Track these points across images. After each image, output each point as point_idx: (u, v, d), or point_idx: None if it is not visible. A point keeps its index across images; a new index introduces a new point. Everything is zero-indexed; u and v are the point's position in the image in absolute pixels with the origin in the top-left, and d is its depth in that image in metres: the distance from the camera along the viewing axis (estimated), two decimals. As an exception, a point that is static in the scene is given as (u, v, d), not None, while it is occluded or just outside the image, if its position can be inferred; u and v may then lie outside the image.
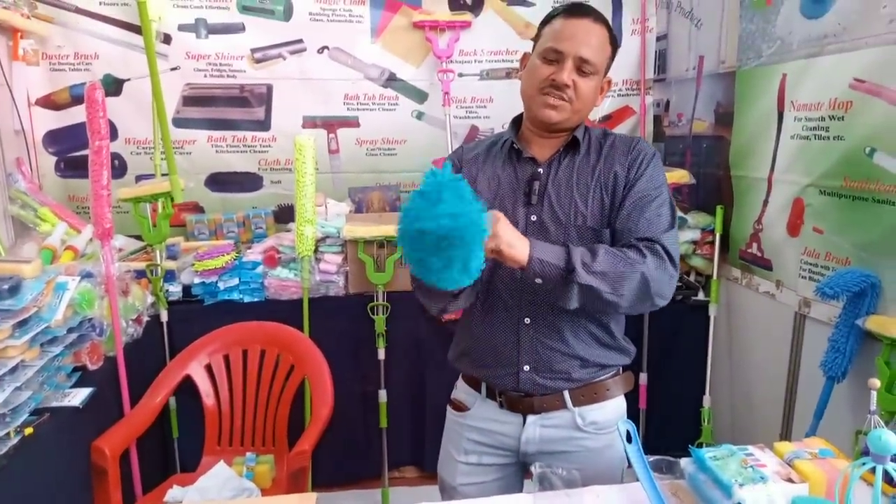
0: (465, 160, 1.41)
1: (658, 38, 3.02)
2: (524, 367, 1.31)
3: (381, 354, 2.44)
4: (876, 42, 1.68)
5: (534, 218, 1.29)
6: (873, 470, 0.88)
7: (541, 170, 1.31)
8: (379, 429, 2.49)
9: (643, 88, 3.00)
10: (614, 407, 1.37)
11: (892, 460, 0.87)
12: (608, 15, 2.97)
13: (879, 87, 1.67)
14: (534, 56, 1.31)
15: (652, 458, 1.09)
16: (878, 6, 1.66)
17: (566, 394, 1.33)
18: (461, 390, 1.46)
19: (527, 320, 1.31)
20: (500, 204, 1.31)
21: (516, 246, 1.13)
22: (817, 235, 1.94)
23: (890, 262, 1.66)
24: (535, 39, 1.34)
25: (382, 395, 2.46)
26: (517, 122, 1.41)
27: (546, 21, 1.32)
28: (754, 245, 2.28)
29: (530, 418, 1.34)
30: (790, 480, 0.99)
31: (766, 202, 2.19)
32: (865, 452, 0.90)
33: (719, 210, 2.43)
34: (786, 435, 2.11)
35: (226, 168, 2.91)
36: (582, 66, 1.25)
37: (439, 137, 2.94)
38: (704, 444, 2.35)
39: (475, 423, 1.40)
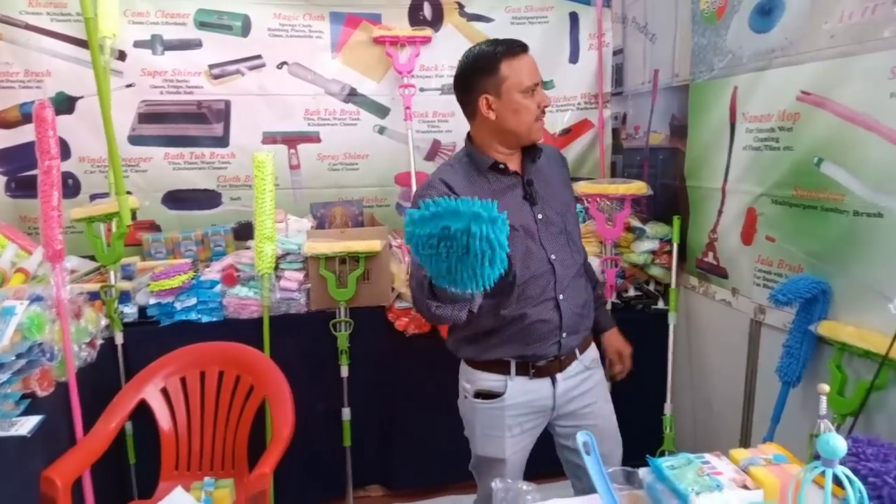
0: (458, 189, 1.47)
1: (615, 53, 3.08)
2: (563, 335, 1.58)
3: (345, 372, 2.41)
4: (819, 56, 1.74)
5: (540, 216, 1.56)
6: (824, 473, 0.89)
7: (527, 177, 1.57)
8: (343, 447, 2.45)
9: (601, 102, 3.05)
10: (594, 345, 1.77)
11: (840, 463, 0.89)
12: (566, 30, 3.07)
13: (824, 99, 1.72)
14: (513, 94, 1.49)
15: (611, 469, 1.09)
16: (820, 22, 1.72)
17: (576, 348, 1.64)
18: (485, 379, 1.61)
19: (562, 296, 1.57)
20: (514, 212, 1.40)
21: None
22: (770, 243, 1.99)
23: (839, 268, 1.71)
24: (486, 81, 1.50)
25: (346, 412, 2.43)
26: (471, 142, 1.60)
27: (494, 63, 1.49)
28: (710, 254, 2.32)
29: (558, 376, 1.61)
30: (745, 487, 1.00)
31: (720, 212, 2.24)
32: (818, 456, 0.92)
33: (676, 220, 2.48)
34: (745, 440, 2.14)
35: (183, 185, 2.86)
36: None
37: (401, 152, 2.95)
38: (666, 452, 2.38)
39: (513, 401, 1.59)
